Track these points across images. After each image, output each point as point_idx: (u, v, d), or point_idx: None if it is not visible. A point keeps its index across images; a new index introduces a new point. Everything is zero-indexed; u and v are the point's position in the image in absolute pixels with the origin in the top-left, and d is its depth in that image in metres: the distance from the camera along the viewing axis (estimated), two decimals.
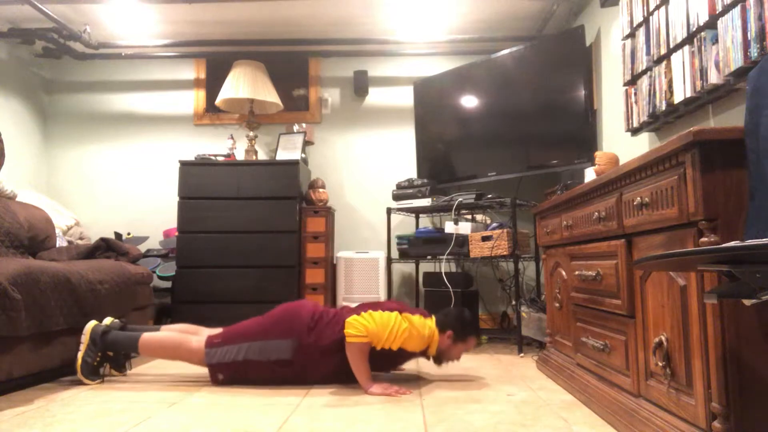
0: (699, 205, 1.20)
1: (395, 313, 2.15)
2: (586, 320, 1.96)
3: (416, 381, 2.31)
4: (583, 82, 3.07)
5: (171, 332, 2.32)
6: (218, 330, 2.28)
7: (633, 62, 2.37)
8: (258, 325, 2.22)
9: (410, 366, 2.61)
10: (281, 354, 2.16)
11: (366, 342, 2.08)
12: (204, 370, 2.27)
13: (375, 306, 2.22)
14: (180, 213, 3.45)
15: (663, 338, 1.38)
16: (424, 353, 2.25)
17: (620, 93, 2.75)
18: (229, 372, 2.19)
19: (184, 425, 1.67)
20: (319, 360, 2.17)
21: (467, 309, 2.37)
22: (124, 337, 2.27)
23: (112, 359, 2.33)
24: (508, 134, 3.43)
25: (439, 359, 2.28)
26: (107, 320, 2.32)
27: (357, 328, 2.07)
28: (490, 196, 3.21)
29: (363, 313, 2.14)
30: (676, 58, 2.01)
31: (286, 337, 2.17)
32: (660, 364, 1.38)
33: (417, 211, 3.64)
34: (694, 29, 1.88)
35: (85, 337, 2.23)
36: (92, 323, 2.27)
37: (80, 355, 2.21)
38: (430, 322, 2.22)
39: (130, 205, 4.05)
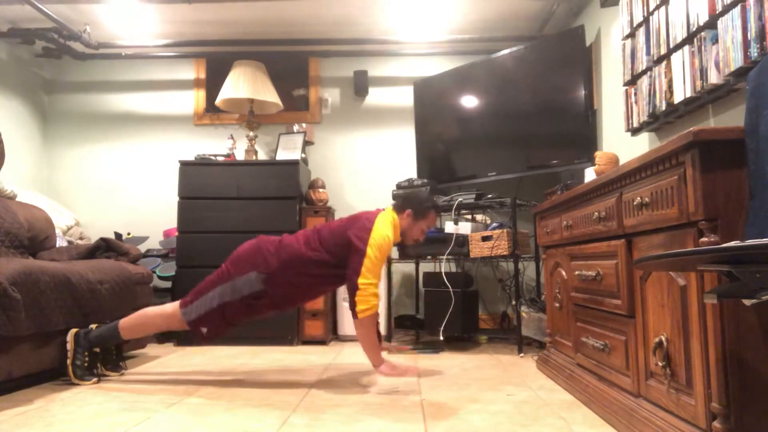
0: (699, 205, 1.20)
1: (385, 233, 2.18)
2: (586, 320, 1.96)
3: (416, 381, 2.31)
4: (583, 82, 3.07)
5: (145, 308, 2.37)
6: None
7: (633, 62, 2.37)
8: (223, 270, 2.27)
9: (411, 364, 2.61)
10: (253, 287, 2.20)
11: (376, 310, 2.13)
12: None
13: (354, 220, 2.26)
14: (180, 213, 3.45)
15: (663, 338, 1.38)
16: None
17: (620, 93, 2.75)
18: (209, 322, 2.23)
19: (184, 425, 1.67)
20: (291, 279, 2.22)
21: (427, 188, 2.45)
22: (105, 329, 2.31)
23: (102, 356, 2.35)
24: (508, 134, 3.43)
25: (403, 243, 2.39)
26: (93, 326, 2.35)
27: (367, 301, 2.10)
28: (490, 196, 3.21)
29: (368, 251, 2.14)
30: (676, 58, 2.01)
31: (253, 270, 2.21)
32: (660, 364, 1.38)
33: None
34: (694, 29, 1.88)
35: (69, 343, 2.25)
36: (73, 330, 2.29)
37: (69, 361, 2.24)
38: (390, 211, 2.31)
39: (130, 205, 4.05)
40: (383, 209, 2.36)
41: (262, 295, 2.22)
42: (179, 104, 4.12)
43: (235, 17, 3.66)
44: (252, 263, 2.23)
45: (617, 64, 2.84)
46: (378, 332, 2.26)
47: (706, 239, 1.19)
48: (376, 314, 2.16)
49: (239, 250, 2.31)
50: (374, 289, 2.13)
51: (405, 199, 2.40)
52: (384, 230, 2.20)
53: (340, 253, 2.20)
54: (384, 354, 2.42)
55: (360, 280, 2.11)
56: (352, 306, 2.12)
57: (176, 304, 2.29)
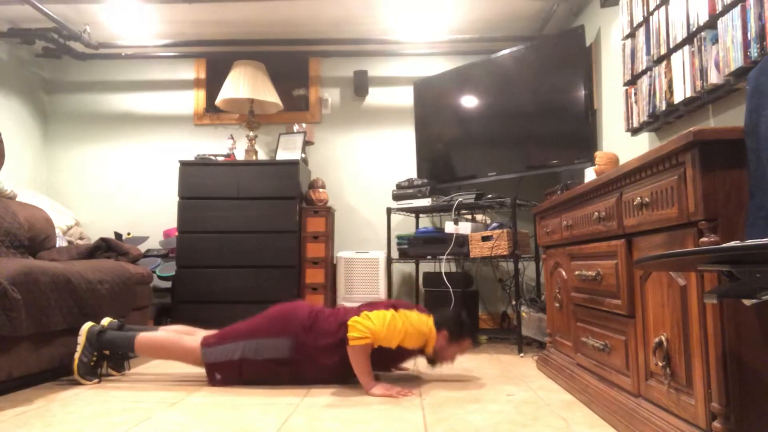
0: (699, 205, 1.20)
1: (391, 311, 2.15)
2: (586, 320, 1.96)
3: (416, 381, 2.31)
4: (583, 82, 3.06)
5: (167, 332, 2.32)
6: (214, 331, 2.28)
7: (633, 62, 2.37)
8: (254, 324, 2.22)
9: (410, 366, 2.61)
10: (278, 353, 2.16)
11: (368, 343, 2.07)
12: (203, 368, 2.27)
13: (372, 306, 2.22)
14: (180, 213, 3.45)
15: (663, 338, 1.38)
16: (421, 351, 2.25)
17: (620, 93, 2.75)
18: (225, 371, 2.19)
19: (184, 425, 1.67)
20: (317, 359, 2.16)
21: (464, 311, 2.37)
22: (121, 337, 2.28)
23: (109, 358, 2.34)
24: (508, 134, 3.43)
25: (433, 360, 2.28)
26: (105, 321, 2.33)
27: (359, 330, 2.06)
28: (490, 196, 3.21)
29: (362, 313, 2.14)
30: (676, 58, 2.01)
31: (283, 335, 2.17)
32: (660, 364, 1.38)
33: (417, 211, 3.64)
34: (694, 29, 1.88)
35: (81, 338, 2.23)
36: (88, 324, 2.27)
37: (77, 355, 2.22)
38: (428, 320, 2.22)
39: (130, 205, 4.05)
40: (425, 313, 2.25)
41: (285, 363, 2.17)
42: (179, 104, 4.13)
43: (235, 17, 3.66)
44: (285, 328, 2.17)
45: (617, 64, 2.84)
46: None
47: (706, 239, 1.19)
48: (370, 346, 2.09)
49: (277, 308, 2.26)
50: (367, 323, 2.07)
51: (445, 317, 2.27)
52: (416, 323, 2.14)
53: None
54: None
55: (356, 317, 2.10)
56: (345, 335, 2.08)
57: (198, 339, 2.23)
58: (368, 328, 2.07)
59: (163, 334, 2.30)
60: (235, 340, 2.19)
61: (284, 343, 2.16)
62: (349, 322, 2.09)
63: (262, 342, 2.17)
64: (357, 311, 2.18)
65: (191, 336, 2.29)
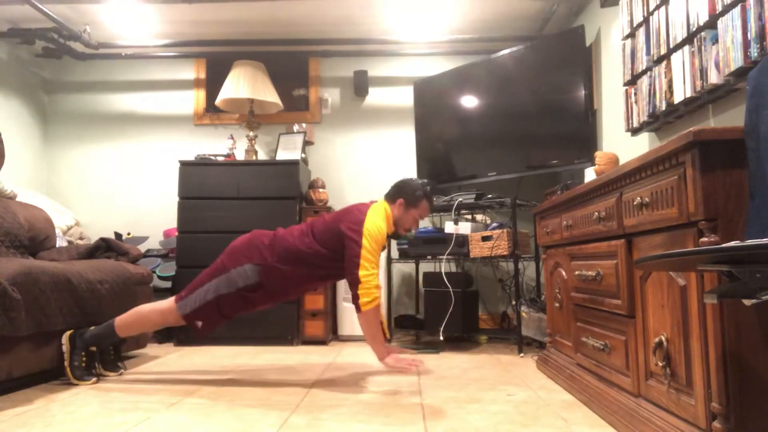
0: (699, 205, 1.20)
1: (378, 225, 2.20)
2: (586, 320, 1.96)
3: (416, 381, 2.31)
4: (583, 82, 3.06)
5: (140, 306, 2.37)
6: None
7: (633, 62, 2.37)
8: (218, 263, 2.29)
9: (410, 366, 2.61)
10: (248, 279, 2.22)
11: (379, 303, 2.15)
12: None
13: (348, 212, 2.26)
14: (180, 213, 3.45)
15: (663, 338, 1.38)
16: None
17: (620, 93, 2.74)
18: (204, 315, 2.24)
19: (184, 425, 1.67)
20: (285, 272, 2.22)
21: (420, 180, 2.46)
22: (101, 328, 2.31)
23: (100, 356, 2.35)
24: (508, 134, 3.43)
25: (396, 234, 2.39)
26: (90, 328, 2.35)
27: (368, 292, 2.12)
28: (490, 196, 3.21)
29: (363, 242, 2.15)
30: (676, 58, 2.01)
31: (248, 262, 2.23)
32: (660, 364, 1.38)
33: None
34: (694, 29, 1.88)
35: (65, 345, 2.25)
36: (67, 332, 2.29)
37: (66, 363, 2.24)
38: (382, 204, 2.32)
39: (130, 205, 4.05)
40: (376, 201, 2.37)
41: (257, 288, 2.23)
42: (179, 104, 4.12)
43: (235, 17, 3.66)
44: (247, 255, 2.25)
45: (617, 64, 2.84)
46: (382, 323, 2.28)
47: (706, 239, 1.19)
48: (379, 305, 2.18)
49: (234, 243, 2.33)
50: (375, 280, 2.15)
51: (397, 188, 2.41)
52: (376, 221, 2.22)
53: (333, 246, 2.22)
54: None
55: (361, 273, 2.13)
56: (355, 299, 2.14)
57: (171, 299, 2.30)
58: (376, 286, 2.13)
59: (136, 308, 2.36)
60: (205, 282, 2.25)
61: (251, 269, 2.22)
62: (359, 290, 2.13)
63: (230, 275, 2.23)
64: (335, 221, 2.23)
65: (164, 300, 2.36)
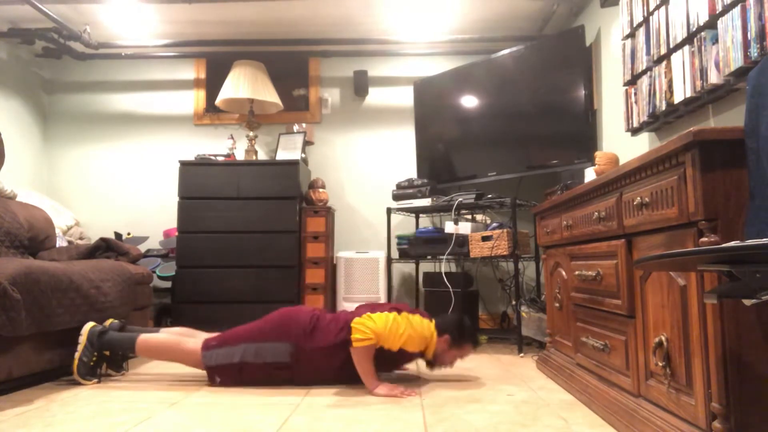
0: (699, 205, 1.20)
1: (394, 313, 2.15)
2: (586, 320, 1.96)
3: (416, 381, 2.31)
4: (583, 82, 3.07)
5: (169, 334, 2.32)
6: (215, 334, 2.29)
7: (633, 62, 2.37)
8: (255, 328, 2.22)
9: (410, 367, 2.61)
10: (278, 357, 2.17)
11: (372, 344, 2.07)
12: (204, 371, 2.27)
13: (374, 308, 2.22)
14: (180, 213, 3.45)
15: (663, 338, 1.38)
16: (422, 354, 2.25)
17: (620, 93, 2.75)
18: (225, 374, 2.19)
19: (184, 425, 1.67)
20: (318, 363, 2.17)
21: (467, 316, 2.37)
22: (122, 338, 2.28)
23: (109, 359, 2.34)
24: (508, 134, 3.43)
25: (432, 363, 2.28)
26: (107, 321, 2.33)
27: (363, 331, 2.06)
28: (490, 196, 3.21)
29: (364, 315, 2.14)
30: (676, 58, 2.01)
31: (283, 339, 2.17)
32: (660, 364, 1.38)
33: (417, 211, 3.64)
34: (694, 29, 1.88)
35: (82, 338, 2.24)
36: (90, 324, 2.28)
37: (77, 355, 2.22)
38: (430, 324, 2.22)
39: (130, 205, 4.05)
40: (427, 318, 2.25)
41: (285, 368, 2.17)
42: (179, 104, 4.12)
43: (235, 17, 3.66)
44: (286, 332, 2.18)
45: (617, 64, 2.84)
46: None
47: (706, 239, 1.19)
48: (373, 347, 2.09)
49: (278, 312, 2.26)
50: (370, 324, 2.07)
51: (447, 321, 2.27)
52: (418, 326, 2.14)
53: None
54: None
55: (360, 318, 2.09)
56: (349, 335, 2.08)
57: (200, 341, 2.24)
58: (371, 329, 2.07)
59: (164, 336, 2.30)
60: (236, 343, 2.19)
61: (285, 348, 2.16)
62: (352, 324, 2.09)
63: (263, 346, 2.17)
64: (358, 314, 2.18)
65: (192, 339, 2.29)
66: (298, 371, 2.18)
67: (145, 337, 2.27)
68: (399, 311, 2.17)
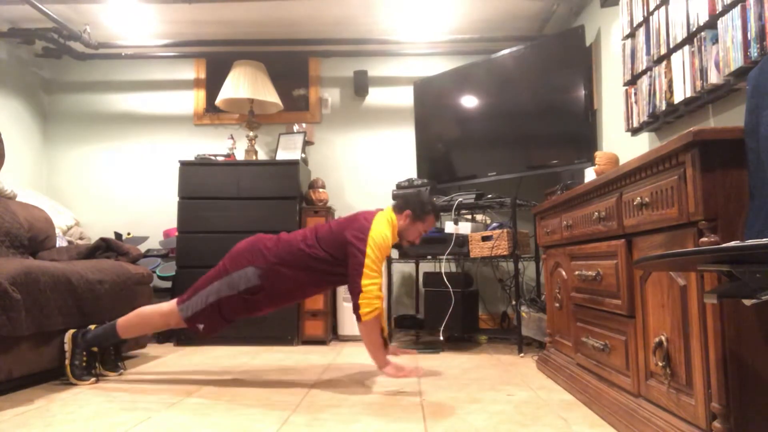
0: (699, 205, 1.20)
1: (384, 234, 2.19)
2: (586, 320, 1.96)
3: (416, 381, 2.31)
4: (583, 82, 3.06)
5: (141, 307, 2.37)
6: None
7: (633, 62, 2.37)
8: (220, 266, 2.28)
9: (409, 366, 2.61)
10: (249, 282, 2.21)
11: (380, 311, 2.13)
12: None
13: (351, 223, 2.24)
14: (180, 213, 3.45)
15: (663, 338, 1.38)
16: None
17: (620, 93, 2.74)
18: (205, 318, 2.23)
19: (184, 425, 1.67)
20: (288, 276, 2.22)
21: (425, 190, 2.45)
22: (103, 330, 2.31)
23: (100, 356, 2.35)
24: (508, 134, 3.43)
25: (399, 243, 2.39)
26: (91, 327, 2.35)
27: (368, 303, 2.10)
28: (490, 196, 3.21)
29: (368, 251, 2.14)
30: (676, 58, 2.01)
31: (250, 264, 2.23)
32: (660, 364, 1.38)
33: None
34: (694, 29, 1.88)
35: (67, 344, 2.25)
36: (71, 330, 2.29)
37: (67, 361, 2.24)
38: (388, 214, 2.31)
39: (130, 205, 4.05)
40: (382, 209, 2.36)
41: (258, 290, 2.23)
42: (179, 104, 4.12)
43: (235, 17, 3.66)
44: (249, 258, 2.24)
45: (617, 64, 2.84)
46: (383, 333, 2.26)
47: (706, 239, 1.19)
48: (380, 316, 2.16)
49: (237, 247, 2.33)
50: (377, 291, 2.13)
51: (405, 200, 2.39)
52: (382, 230, 2.20)
53: (337, 252, 2.21)
54: (389, 356, 2.42)
55: (363, 281, 2.11)
56: (356, 309, 2.11)
57: (173, 301, 2.30)
58: (378, 296, 2.11)
59: (138, 310, 2.35)
60: (206, 286, 2.25)
61: (253, 272, 2.22)
62: (360, 300, 2.11)
63: (232, 277, 2.22)
64: (341, 228, 2.22)
65: (165, 303, 2.35)
66: (272, 289, 2.23)
67: (123, 318, 2.32)
68: (369, 219, 2.23)
